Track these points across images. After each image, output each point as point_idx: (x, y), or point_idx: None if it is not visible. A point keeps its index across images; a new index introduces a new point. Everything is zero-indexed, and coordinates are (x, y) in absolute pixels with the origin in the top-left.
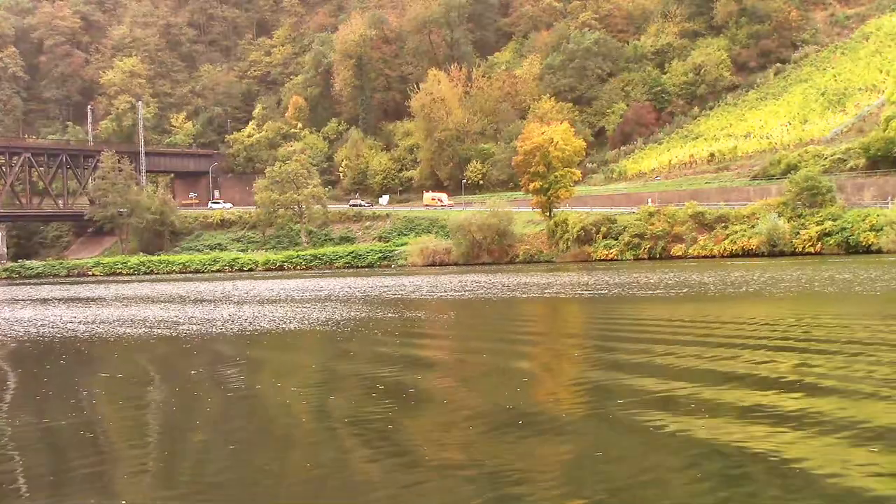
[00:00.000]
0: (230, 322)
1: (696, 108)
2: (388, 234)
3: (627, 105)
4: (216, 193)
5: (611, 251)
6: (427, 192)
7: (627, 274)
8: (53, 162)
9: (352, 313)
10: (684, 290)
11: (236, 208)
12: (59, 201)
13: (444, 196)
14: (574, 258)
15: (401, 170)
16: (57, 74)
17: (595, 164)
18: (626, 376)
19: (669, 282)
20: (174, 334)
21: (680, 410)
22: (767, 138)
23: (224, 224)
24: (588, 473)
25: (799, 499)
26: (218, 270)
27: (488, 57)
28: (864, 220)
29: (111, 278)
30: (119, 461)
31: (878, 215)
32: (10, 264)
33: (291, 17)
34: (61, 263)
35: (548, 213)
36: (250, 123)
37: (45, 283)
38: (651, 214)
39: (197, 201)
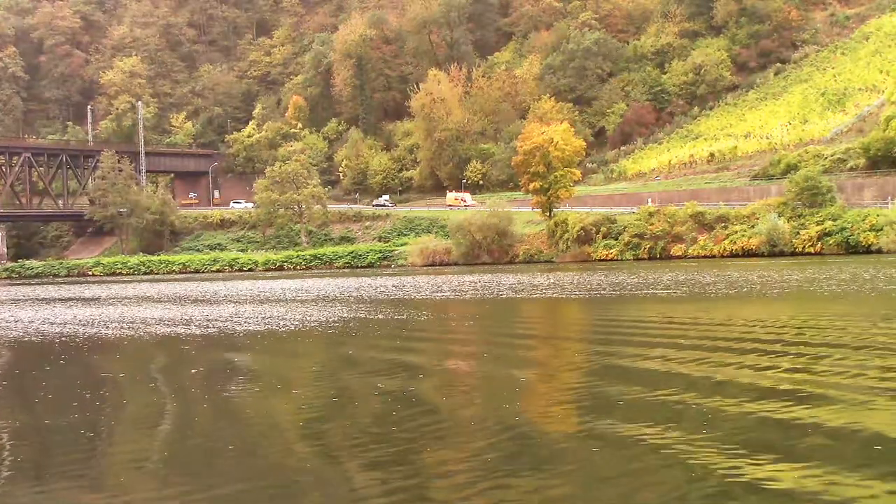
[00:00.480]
0: (230, 322)
1: (696, 108)
2: (387, 234)
3: (627, 105)
4: (215, 193)
5: (611, 251)
6: (450, 191)
7: (626, 274)
8: (53, 162)
9: (351, 314)
10: (687, 290)
11: (253, 207)
12: (59, 201)
13: (467, 196)
14: (574, 258)
15: (401, 170)
16: (57, 74)
17: (595, 164)
18: (626, 384)
19: (669, 282)
20: (174, 334)
21: (676, 422)
22: (767, 138)
23: (224, 224)
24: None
25: None
26: (218, 270)
27: (488, 57)
28: (864, 220)
29: (111, 278)
30: (119, 460)
31: (878, 215)
32: (10, 264)
33: (291, 17)
34: (61, 263)
35: (548, 213)
36: (250, 123)
37: (45, 283)
38: (651, 214)
39: (197, 201)
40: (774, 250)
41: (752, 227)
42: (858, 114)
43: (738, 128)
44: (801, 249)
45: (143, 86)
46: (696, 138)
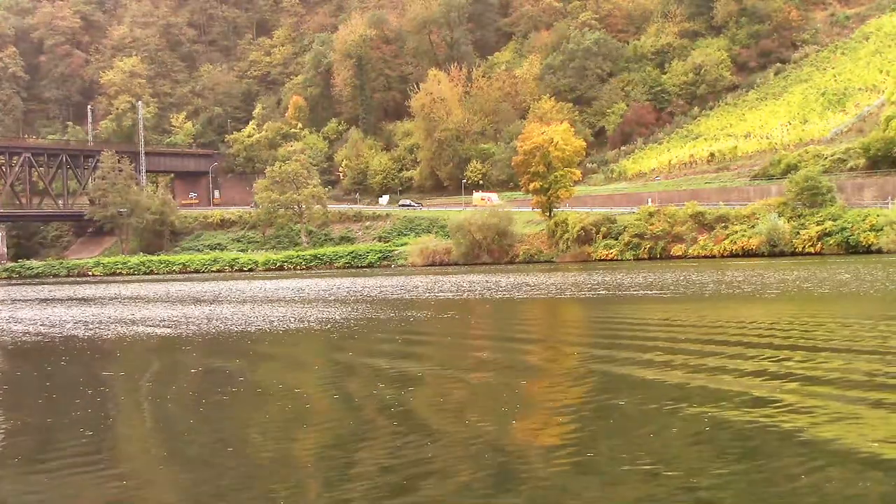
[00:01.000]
0: (230, 322)
1: (696, 108)
2: (388, 234)
3: (627, 105)
4: (215, 193)
5: (611, 251)
6: (476, 191)
7: (626, 274)
8: (53, 162)
9: (351, 314)
10: (689, 291)
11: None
12: (59, 201)
13: (493, 196)
14: (574, 258)
15: (401, 170)
16: (57, 74)
17: (595, 164)
18: (626, 391)
19: (669, 282)
20: (174, 334)
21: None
22: (767, 138)
23: (224, 224)
24: None
25: None
26: (218, 270)
27: (488, 57)
28: (864, 220)
29: (111, 278)
30: (118, 461)
31: (878, 215)
32: (10, 264)
33: (291, 17)
34: (61, 263)
35: (548, 213)
36: (250, 123)
37: (45, 283)
38: (651, 214)
39: (197, 201)
40: (774, 250)
41: (752, 227)
42: (858, 114)
43: (738, 128)
44: (801, 249)
45: (143, 86)
46: (696, 138)
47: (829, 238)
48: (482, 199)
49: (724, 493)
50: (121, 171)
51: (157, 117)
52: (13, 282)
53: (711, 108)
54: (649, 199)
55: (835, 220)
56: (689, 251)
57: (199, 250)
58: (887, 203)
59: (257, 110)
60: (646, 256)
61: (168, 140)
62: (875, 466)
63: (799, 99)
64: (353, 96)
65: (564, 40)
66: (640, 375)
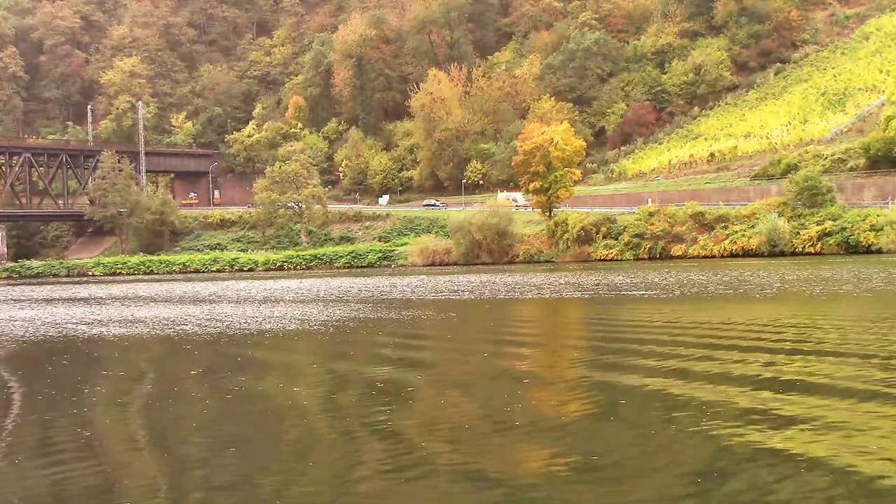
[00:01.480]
0: (230, 321)
1: (696, 108)
2: (388, 234)
3: (627, 105)
4: (215, 193)
5: (611, 251)
6: (501, 191)
7: (626, 274)
8: (53, 162)
9: (349, 314)
10: (689, 292)
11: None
12: (59, 201)
13: (519, 196)
14: (574, 258)
15: (401, 170)
16: (57, 74)
17: (595, 164)
18: (626, 396)
19: (669, 282)
20: (175, 334)
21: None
22: (767, 138)
23: (224, 224)
24: None
25: None
26: (218, 270)
27: (488, 57)
28: (864, 220)
29: (111, 278)
30: (118, 461)
31: (878, 215)
32: (10, 264)
33: (291, 17)
34: (61, 263)
35: (548, 213)
36: (250, 123)
37: (45, 283)
38: (651, 214)
39: (197, 201)
40: (774, 250)
41: (752, 227)
42: (858, 114)
43: (738, 128)
44: (801, 249)
45: (143, 86)
46: (696, 138)
47: (829, 238)
48: (508, 200)
49: None
50: (121, 171)
51: (157, 117)
52: (13, 282)
53: (711, 108)
54: (649, 199)
55: (835, 220)
56: (689, 251)
57: (199, 250)
58: (887, 203)
59: (257, 110)
60: (646, 256)
61: (168, 140)
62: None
63: (799, 99)
64: (353, 96)
65: (564, 40)
66: (638, 383)
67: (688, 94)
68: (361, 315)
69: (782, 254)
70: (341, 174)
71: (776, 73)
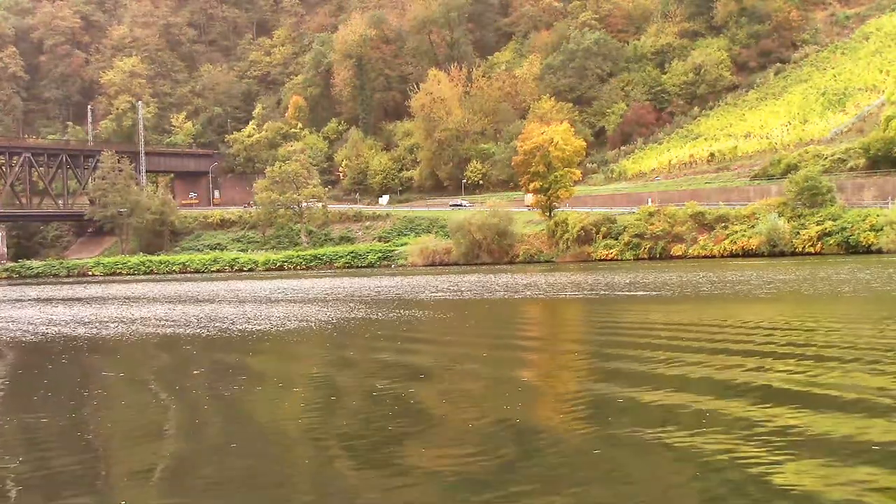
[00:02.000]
0: (230, 322)
1: (696, 108)
2: (388, 234)
3: (627, 105)
4: (215, 193)
5: (611, 251)
6: (528, 192)
7: (625, 274)
8: (53, 162)
9: (349, 314)
10: (689, 291)
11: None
12: (59, 201)
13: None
14: (574, 258)
15: (401, 170)
16: (57, 74)
17: (595, 164)
18: (626, 401)
19: (669, 282)
20: (175, 334)
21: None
22: (767, 138)
23: (224, 224)
24: None
25: None
26: (218, 270)
27: (488, 57)
28: (864, 220)
29: (111, 278)
30: (119, 460)
31: (878, 215)
32: (10, 264)
33: (291, 17)
34: (61, 263)
35: (548, 213)
36: (250, 123)
37: (45, 283)
38: (651, 214)
39: (197, 201)
40: (774, 250)
41: (752, 227)
42: (858, 114)
43: (738, 128)
44: (801, 249)
45: (143, 86)
46: (696, 138)
47: (829, 238)
48: (535, 200)
49: None
50: (121, 171)
51: (157, 117)
52: (13, 282)
53: (711, 108)
54: (649, 199)
55: (835, 220)
56: (689, 251)
57: (199, 250)
58: (887, 203)
59: (257, 110)
60: (646, 256)
61: (168, 140)
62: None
63: (799, 99)
64: (353, 96)
65: (564, 40)
66: (638, 391)
67: (688, 94)
68: (361, 315)
69: (782, 254)
70: (341, 174)
71: (776, 73)
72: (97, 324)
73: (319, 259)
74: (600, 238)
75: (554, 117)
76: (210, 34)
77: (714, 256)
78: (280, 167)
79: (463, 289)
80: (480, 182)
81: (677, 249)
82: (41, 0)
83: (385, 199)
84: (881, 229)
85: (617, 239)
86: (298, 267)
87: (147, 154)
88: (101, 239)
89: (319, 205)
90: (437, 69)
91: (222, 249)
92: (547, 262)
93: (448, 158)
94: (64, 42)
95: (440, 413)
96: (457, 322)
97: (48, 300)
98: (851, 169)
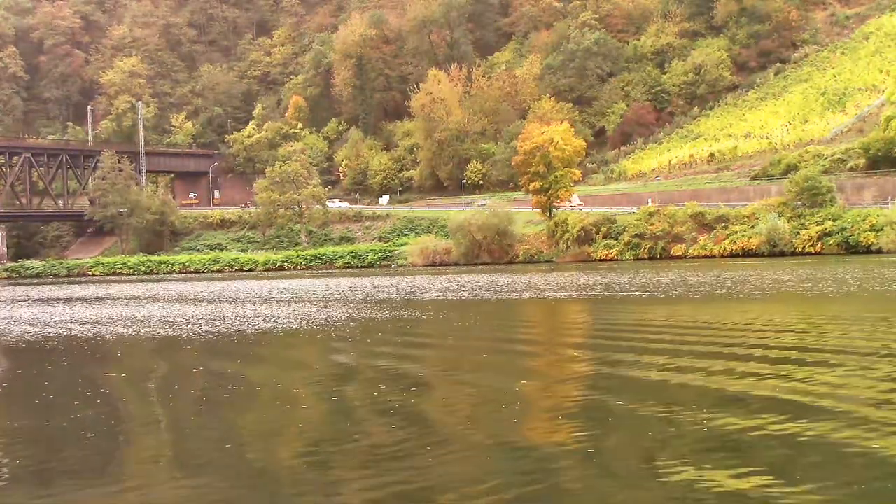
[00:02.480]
0: (230, 322)
1: (696, 108)
2: (388, 234)
3: (627, 105)
4: (215, 193)
5: (611, 251)
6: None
7: (625, 274)
8: (53, 162)
9: (348, 315)
10: (687, 292)
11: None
12: (59, 201)
13: (574, 196)
14: (574, 258)
15: (401, 170)
16: (57, 74)
17: (595, 164)
18: (626, 401)
19: (668, 282)
20: (175, 334)
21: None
22: (767, 138)
23: (224, 224)
24: None
25: None
26: (218, 270)
27: (488, 57)
28: (864, 220)
29: (111, 278)
30: (119, 461)
31: (878, 215)
32: (10, 264)
33: (291, 17)
34: (61, 263)
35: (548, 213)
36: (250, 123)
37: (45, 283)
38: (651, 214)
39: (197, 201)
40: (774, 250)
41: (753, 227)
42: (858, 114)
43: (738, 128)
44: (801, 249)
45: (143, 86)
46: (696, 138)
47: (829, 238)
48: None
49: None
50: (121, 171)
51: (157, 117)
52: (13, 282)
53: (711, 108)
54: (649, 199)
55: (835, 220)
56: (689, 251)
57: (199, 250)
58: (887, 203)
59: (257, 110)
60: (646, 256)
61: (168, 140)
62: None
63: (799, 99)
64: (353, 96)
65: (564, 40)
66: (640, 381)
67: (688, 94)
68: (361, 316)
69: (782, 254)
70: (341, 174)
71: (776, 73)
72: (97, 324)
73: (319, 259)
74: (600, 238)
75: (554, 117)
76: (210, 34)
77: (714, 256)
78: (280, 167)
79: (463, 289)
80: (480, 182)
81: (677, 249)
82: (41, 0)
83: (385, 199)
84: (881, 229)
85: (617, 239)
86: (298, 267)
87: (147, 154)
88: (101, 239)
89: (343, 205)
90: (437, 69)
91: (222, 249)
92: (547, 262)
93: (448, 158)
94: (64, 42)
95: (441, 427)
96: (456, 323)
97: (48, 300)
98: (851, 169)
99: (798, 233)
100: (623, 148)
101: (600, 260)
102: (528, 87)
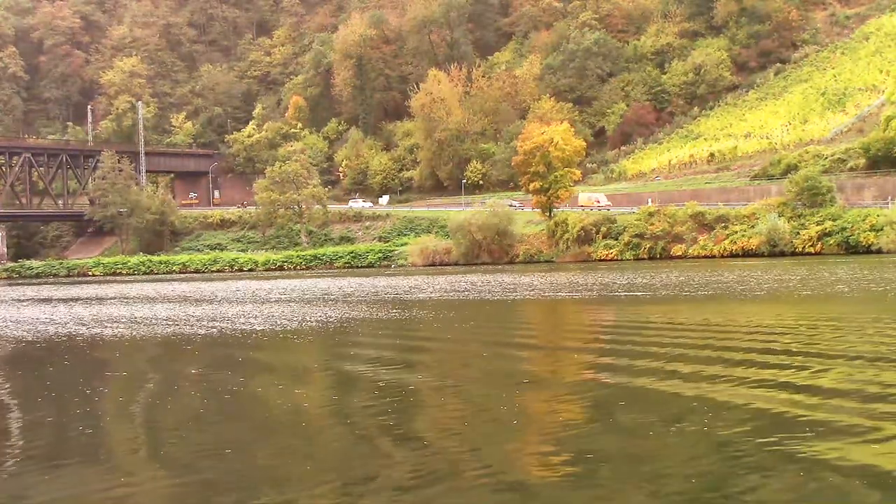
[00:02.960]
0: (230, 322)
1: (696, 108)
2: (388, 234)
3: (627, 105)
4: (215, 193)
5: (611, 251)
6: (583, 192)
7: (625, 274)
8: (53, 162)
9: (348, 315)
10: (686, 292)
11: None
12: (59, 201)
13: (602, 196)
14: (574, 258)
15: (401, 170)
16: (57, 74)
17: (595, 164)
18: (625, 404)
19: (668, 282)
20: (175, 334)
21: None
22: (767, 138)
23: (224, 224)
24: None
25: None
26: (218, 270)
27: (488, 57)
28: (864, 220)
29: (111, 278)
30: (117, 460)
31: (878, 215)
32: (10, 264)
33: (291, 17)
34: (61, 263)
35: (548, 213)
36: (250, 123)
37: (45, 283)
38: (651, 214)
39: (197, 201)
40: (774, 250)
41: (752, 227)
42: (858, 114)
43: (738, 128)
44: (801, 249)
45: (143, 86)
46: (696, 138)
47: (829, 238)
48: (589, 200)
49: None
50: (121, 171)
51: (157, 117)
52: (13, 282)
53: (711, 108)
54: (649, 199)
55: (835, 220)
56: (690, 251)
57: (199, 250)
58: (887, 203)
59: (257, 110)
60: (646, 256)
61: (168, 140)
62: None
63: (799, 99)
64: (353, 96)
65: (564, 40)
66: (642, 385)
67: (688, 94)
68: (361, 316)
69: (782, 254)
70: (341, 174)
71: (776, 74)
72: (97, 324)
73: (319, 259)
74: (600, 238)
75: (554, 117)
76: (210, 34)
77: (714, 256)
78: (280, 167)
79: (463, 289)
80: (480, 182)
81: (677, 249)
82: (41, 0)
83: (385, 199)
84: (881, 229)
85: (617, 239)
86: (298, 267)
87: (147, 154)
88: (101, 239)
89: (367, 205)
90: (437, 69)
91: (222, 249)
92: (547, 262)
93: (448, 158)
94: (64, 42)
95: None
96: (456, 324)
97: (48, 300)
98: (851, 169)
99: (798, 233)
100: (623, 148)
101: (600, 260)
102: (528, 87)
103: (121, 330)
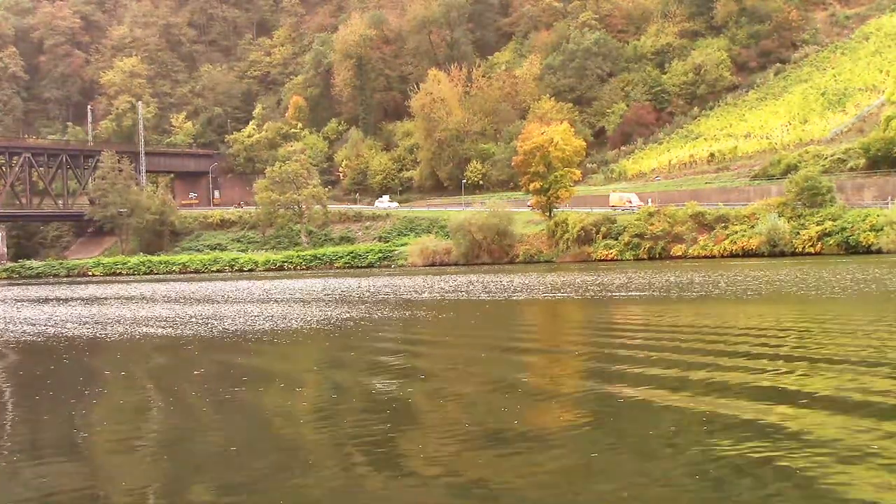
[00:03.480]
0: (230, 321)
1: (696, 108)
2: (388, 234)
3: (627, 105)
4: (215, 193)
5: (611, 251)
6: (614, 192)
7: (625, 274)
8: (53, 162)
9: (347, 315)
10: (686, 292)
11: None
12: (59, 201)
13: (634, 196)
14: (574, 258)
15: (401, 170)
16: (57, 74)
17: (595, 164)
18: (625, 414)
19: (666, 282)
20: (175, 334)
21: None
22: (767, 138)
23: (224, 224)
24: None
25: None
26: (218, 270)
27: (488, 57)
28: (864, 220)
29: (111, 278)
30: (117, 460)
31: (878, 215)
32: (10, 264)
33: (291, 17)
34: (61, 263)
35: (548, 214)
36: (250, 123)
37: (45, 284)
38: (651, 214)
39: (197, 201)
40: (774, 250)
41: (752, 227)
42: (858, 114)
43: (738, 128)
44: (801, 249)
45: (143, 86)
46: (696, 138)
47: (829, 238)
48: (620, 200)
49: None
50: (121, 171)
51: (157, 117)
52: (13, 282)
53: (711, 108)
54: (649, 199)
55: (835, 220)
56: (689, 251)
57: (199, 250)
58: (887, 203)
59: (257, 110)
60: (646, 256)
61: (168, 140)
62: None
63: (799, 99)
64: (353, 96)
65: (564, 40)
66: (636, 390)
67: (688, 94)
68: (360, 316)
69: (782, 254)
70: (341, 174)
71: (776, 74)
72: (97, 324)
73: (319, 259)
74: (600, 238)
75: (554, 117)
76: (210, 34)
77: (714, 256)
78: (280, 167)
79: (462, 289)
80: (480, 182)
81: (677, 249)
82: (41, 0)
83: (385, 198)
84: (881, 229)
85: (617, 239)
86: (298, 267)
87: (147, 154)
88: (101, 239)
89: (393, 205)
90: (437, 69)
91: (222, 249)
92: (547, 262)
93: (448, 158)
94: (64, 42)
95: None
96: (455, 325)
97: (47, 300)
98: (851, 169)
99: (798, 233)
100: (623, 148)
101: (600, 260)
102: (527, 87)
103: (120, 330)
